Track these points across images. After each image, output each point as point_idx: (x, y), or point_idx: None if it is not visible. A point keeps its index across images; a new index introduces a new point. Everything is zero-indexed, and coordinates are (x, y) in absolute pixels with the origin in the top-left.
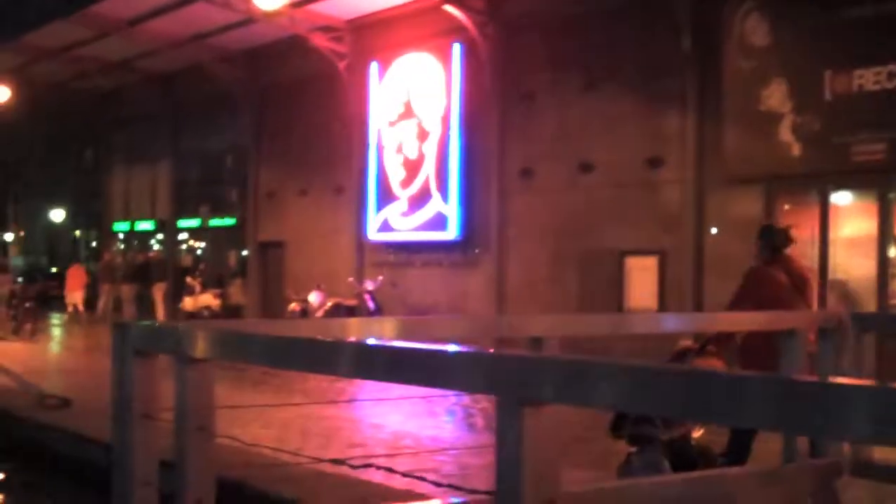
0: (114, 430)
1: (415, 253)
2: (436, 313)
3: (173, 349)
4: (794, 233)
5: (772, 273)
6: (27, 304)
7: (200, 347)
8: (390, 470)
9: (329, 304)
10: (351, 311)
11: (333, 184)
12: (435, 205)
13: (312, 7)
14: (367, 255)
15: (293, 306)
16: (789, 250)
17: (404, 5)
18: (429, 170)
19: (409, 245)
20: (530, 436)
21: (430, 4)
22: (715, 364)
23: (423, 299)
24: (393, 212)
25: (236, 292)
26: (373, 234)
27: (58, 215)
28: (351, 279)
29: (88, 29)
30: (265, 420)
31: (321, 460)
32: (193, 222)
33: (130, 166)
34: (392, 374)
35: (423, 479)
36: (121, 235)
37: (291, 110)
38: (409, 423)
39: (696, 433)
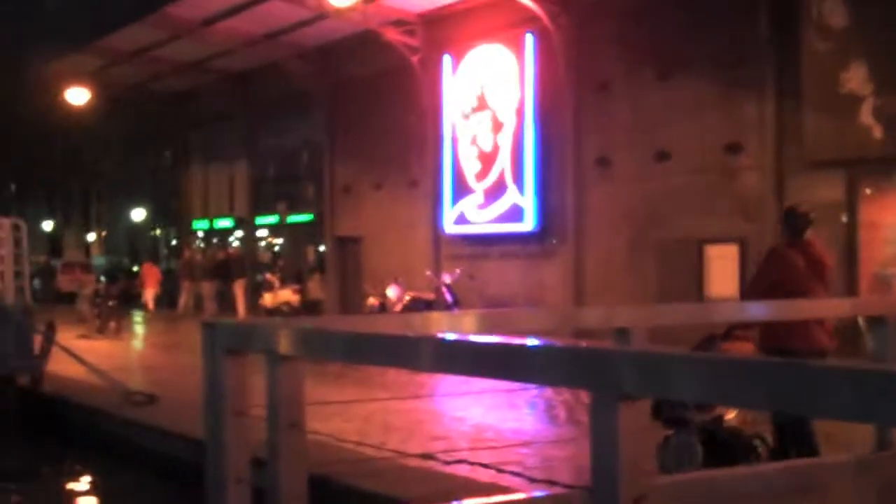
0: (206, 428)
1: (491, 245)
2: (513, 305)
3: (263, 347)
4: (813, 216)
5: (789, 255)
6: (111, 303)
7: (290, 345)
8: (485, 465)
9: (407, 297)
10: (429, 305)
11: (408, 177)
12: (511, 196)
13: (384, 1)
14: (444, 247)
15: (372, 301)
16: (810, 233)
17: None
18: (504, 161)
19: (485, 237)
20: (625, 430)
21: None
22: (745, 348)
23: (501, 291)
24: (469, 204)
25: (315, 288)
26: (449, 226)
27: (138, 214)
28: (428, 272)
29: (163, 30)
30: (347, 414)
31: (414, 455)
32: (271, 219)
33: (208, 164)
34: (488, 370)
35: (517, 474)
36: (200, 233)
37: (365, 105)
38: (491, 416)
39: (730, 415)
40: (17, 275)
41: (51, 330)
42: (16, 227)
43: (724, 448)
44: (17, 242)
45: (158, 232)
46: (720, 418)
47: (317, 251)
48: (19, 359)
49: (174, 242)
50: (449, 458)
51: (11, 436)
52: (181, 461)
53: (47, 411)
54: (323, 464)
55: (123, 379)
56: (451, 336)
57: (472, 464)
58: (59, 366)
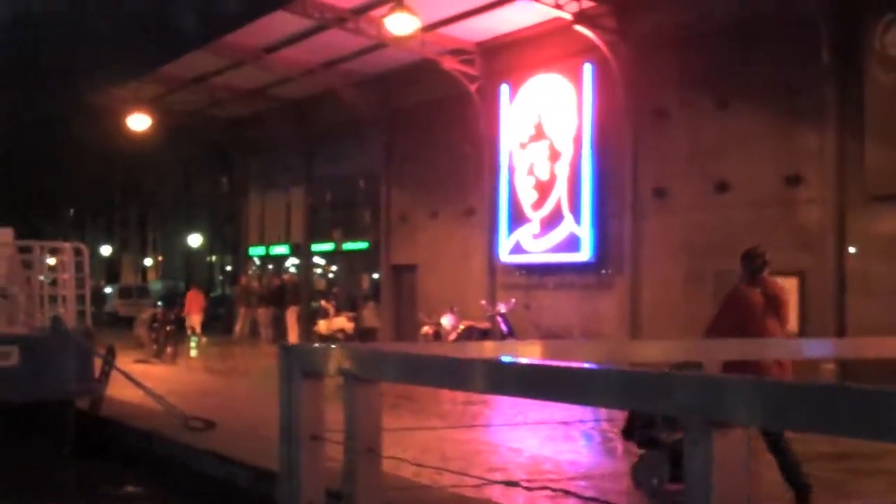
0: (281, 451)
1: (547, 275)
2: (568, 336)
3: (342, 370)
4: (769, 257)
5: (749, 294)
6: (168, 328)
7: (369, 368)
8: (567, 492)
9: (462, 326)
10: (484, 334)
11: (464, 206)
12: (567, 226)
13: (443, 31)
14: (499, 277)
15: (426, 329)
16: (766, 272)
17: (535, 27)
18: (561, 191)
19: (541, 267)
20: (720, 459)
21: (561, 25)
22: None
23: (556, 322)
24: (525, 234)
25: (370, 315)
26: (505, 256)
27: (195, 240)
28: (483, 302)
29: (224, 58)
30: (404, 444)
31: (496, 482)
32: (327, 246)
33: (265, 191)
34: (578, 395)
35: (594, 499)
36: (256, 259)
37: (422, 133)
38: (547, 448)
39: None
40: (79, 299)
41: (111, 354)
42: (77, 252)
43: None
44: (78, 267)
45: (214, 258)
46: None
47: (372, 279)
48: (79, 382)
49: (228, 268)
50: (541, 486)
51: (69, 459)
52: (238, 487)
53: (105, 435)
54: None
55: (181, 404)
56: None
57: (557, 491)
58: (117, 390)
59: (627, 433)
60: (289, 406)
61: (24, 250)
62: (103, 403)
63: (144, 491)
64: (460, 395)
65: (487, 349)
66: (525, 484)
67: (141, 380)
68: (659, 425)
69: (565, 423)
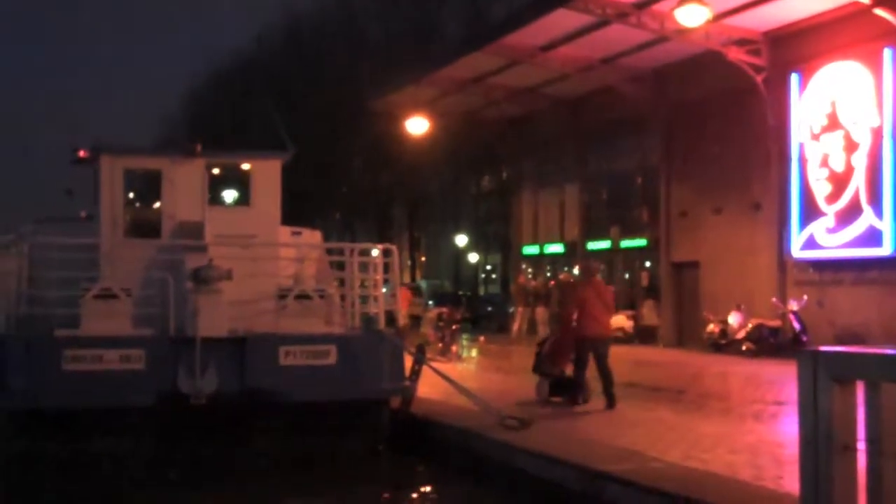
0: (804, 460)
1: (842, 271)
2: (868, 335)
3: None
4: (598, 267)
5: (582, 287)
6: (453, 327)
7: None
8: None
9: (750, 325)
10: (774, 333)
11: (750, 201)
12: (867, 219)
13: (728, 21)
14: (790, 273)
15: (711, 327)
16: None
17: (828, 12)
18: (859, 182)
19: (835, 262)
20: None
21: (858, 9)
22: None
23: (853, 319)
24: (818, 228)
25: (649, 313)
26: (796, 251)
27: (461, 240)
28: (774, 299)
29: (500, 59)
30: (728, 445)
31: None
32: (603, 244)
33: (538, 190)
34: None
35: None
36: (530, 258)
37: (703, 127)
38: None
39: (568, 371)
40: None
41: (421, 353)
42: (386, 253)
43: (565, 387)
44: (386, 268)
45: (478, 257)
46: (563, 372)
47: (651, 276)
48: (392, 381)
49: (488, 267)
50: None
51: (384, 456)
52: (563, 487)
53: (419, 433)
54: None
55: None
56: None
57: None
58: (420, 388)
59: (534, 369)
60: (814, 414)
61: (335, 252)
62: (414, 401)
63: (462, 488)
64: (769, 395)
65: None
66: None
67: (437, 378)
68: (546, 363)
69: None
